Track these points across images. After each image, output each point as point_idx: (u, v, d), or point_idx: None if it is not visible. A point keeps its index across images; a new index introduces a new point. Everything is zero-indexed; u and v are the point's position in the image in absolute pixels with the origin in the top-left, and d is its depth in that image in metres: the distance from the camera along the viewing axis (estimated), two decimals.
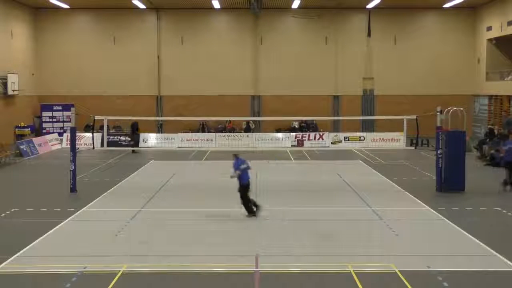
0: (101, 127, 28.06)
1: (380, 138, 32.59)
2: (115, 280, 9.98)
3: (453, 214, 15.07)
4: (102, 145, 27.40)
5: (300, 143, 32.36)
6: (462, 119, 28.02)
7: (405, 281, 9.90)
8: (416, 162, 25.39)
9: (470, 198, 17.26)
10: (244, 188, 14.76)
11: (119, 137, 31.93)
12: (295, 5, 35.08)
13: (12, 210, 15.66)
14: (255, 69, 37.41)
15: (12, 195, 18.09)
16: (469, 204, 16.45)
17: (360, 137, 33.14)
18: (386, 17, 37.19)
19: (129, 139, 31.38)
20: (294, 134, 33.37)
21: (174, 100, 37.20)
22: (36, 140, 30.00)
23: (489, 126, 29.71)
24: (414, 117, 19.81)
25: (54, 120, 35.65)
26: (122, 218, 14.63)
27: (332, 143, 32.34)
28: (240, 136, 33.39)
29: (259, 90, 37.52)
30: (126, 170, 23.14)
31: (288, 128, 36.16)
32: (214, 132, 34.50)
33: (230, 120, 35.66)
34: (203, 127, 36.46)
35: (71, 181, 18.27)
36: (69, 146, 19.86)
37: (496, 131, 27.61)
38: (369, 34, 37.04)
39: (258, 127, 36.71)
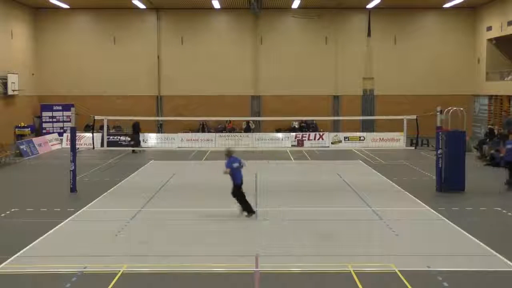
0: (101, 127, 28.05)
1: (380, 138, 32.59)
2: (115, 280, 9.98)
3: (453, 214, 15.07)
4: (102, 145, 27.40)
5: (300, 143, 32.36)
6: (462, 119, 28.02)
7: (405, 281, 9.89)
8: (416, 162, 25.39)
9: (470, 198, 17.26)
10: (237, 188, 14.76)
11: (119, 137, 31.92)
12: (295, 5, 35.08)
13: (12, 210, 15.66)
14: (255, 69, 37.41)
15: (12, 195, 18.09)
16: (469, 204, 16.45)
17: (360, 137, 33.14)
18: (386, 17, 37.20)
19: (129, 139, 31.36)
20: (294, 134, 33.37)
21: (174, 100, 37.20)
22: (36, 140, 30.00)
23: (489, 126, 29.71)
24: (414, 117, 19.80)
25: (54, 120, 35.66)
26: (122, 218, 14.63)
27: (332, 143, 32.34)
28: (240, 136, 33.39)
29: (259, 90, 37.52)
30: (126, 170, 23.14)
31: (288, 128, 36.16)
32: (214, 132, 34.50)
33: (230, 120, 35.66)
34: (203, 127, 36.47)
35: (71, 181, 18.27)
36: (69, 146, 19.86)
37: (496, 131, 27.61)
38: (369, 34, 37.04)
39: (258, 127, 36.71)
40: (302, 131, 34.87)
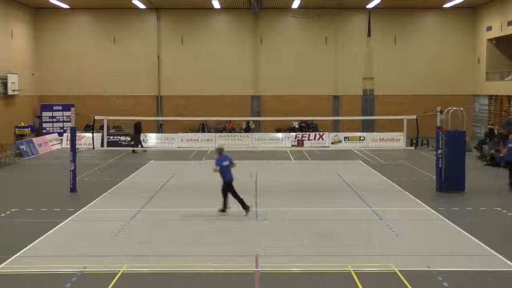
0: (101, 127, 28.06)
1: (380, 138, 32.59)
2: (115, 280, 9.98)
3: (453, 214, 15.07)
4: (102, 145, 27.40)
5: (300, 143, 32.36)
6: (462, 119, 28.03)
7: (405, 281, 9.89)
8: (416, 162, 25.39)
9: (470, 198, 17.26)
10: (227, 185, 14.86)
11: (119, 137, 31.92)
12: (295, 5, 35.08)
13: (12, 210, 15.66)
14: (255, 69, 37.41)
15: (12, 195, 18.09)
16: (469, 204, 16.45)
17: (360, 137, 33.14)
18: (386, 17, 37.20)
19: (129, 139, 31.36)
20: (294, 134, 33.37)
21: (174, 100, 37.21)
22: (36, 140, 29.99)
23: (489, 126, 29.71)
24: (414, 117, 19.81)
25: (54, 120, 35.66)
26: (122, 218, 14.63)
27: (332, 143, 32.34)
28: (240, 136, 33.40)
29: (259, 90, 37.53)
30: (126, 170, 23.14)
31: (288, 128, 36.17)
32: (214, 132, 34.49)
33: (230, 120, 35.67)
34: (203, 127, 36.47)
35: (71, 181, 18.27)
36: (69, 146, 19.85)
37: (496, 131, 27.61)
38: (369, 34, 37.05)
39: (258, 127, 36.72)
40: (302, 131, 34.88)
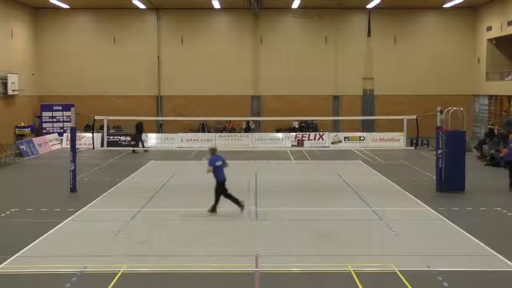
0: (101, 127, 28.05)
1: (380, 138, 32.59)
2: (115, 280, 9.98)
3: (453, 214, 15.07)
4: (102, 145, 27.39)
5: (300, 143, 32.35)
6: (462, 119, 28.02)
7: (405, 281, 9.89)
8: (416, 162, 25.39)
9: (470, 198, 17.26)
10: (220, 185, 14.90)
11: (119, 137, 31.92)
12: (295, 5, 35.08)
13: (12, 210, 15.66)
14: (255, 69, 37.41)
15: (12, 195, 18.09)
16: (469, 204, 16.45)
17: (360, 137, 33.13)
18: (386, 17, 37.20)
19: (129, 139, 31.35)
20: (294, 134, 33.37)
21: (174, 100, 37.20)
22: (36, 140, 29.99)
23: (489, 126, 29.71)
24: (414, 117, 19.81)
25: (54, 120, 35.66)
26: (122, 218, 14.63)
27: (332, 143, 32.33)
28: (240, 136, 33.40)
29: (259, 90, 37.52)
30: (126, 170, 23.14)
31: (288, 128, 36.17)
32: (214, 132, 34.48)
33: (230, 120, 35.67)
34: (203, 127, 36.47)
35: (71, 181, 18.27)
36: (69, 146, 19.85)
37: (496, 131, 27.61)
38: (369, 34, 37.05)
39: (258, 127, 36.72)
40: (302, 131, 34.87)
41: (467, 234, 12.97)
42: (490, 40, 34.76)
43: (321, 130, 35.51)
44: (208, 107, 35.92)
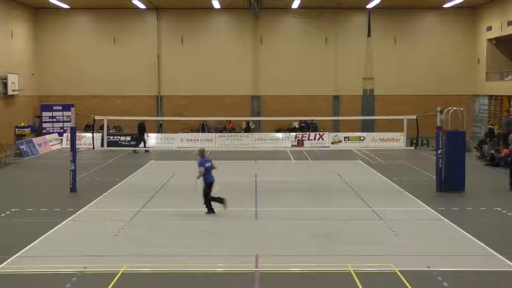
0: (101, 127, 28.06)
1: (380, 138, 32.58)
2: (115, 280, 9.98)
3: (453, 214, 15.08)
4: (102, 145, 27.38)
5: (300, 143, 32.35)
6: (462, 119, 28.03)
7: (405, 281, 9.90)
8: (416, 162, 25.39)
9: (470, 198, 17.26)
10: (208, 187, 14.91)
11: (119, 137, 31.92)
12: (295, 5, 35.08)
13: (12, 210, 15.66)
14: (255, 69, 37.41)
15: (12, 195, 18.09)
16: (469, 204, 16.45)
17: (360, 137, 33.13)
18: (386, 17, 37.20)
19: (129, 139, 31.31)
20: (294, 134, 33.37)
21: (174, 100, 37.20)
22: (36, 140, 29.99)
23: (489, 126, 29.71)
24: (414, 117, 19.80)
25: (54, 120, 35.68)
26: (122, 218, 14.63)
27: (332, 143, 32.33)
28: (240, 136, 33.39)
29: (259, 90, 37.53)
30: (126, 170, 23.13)
31: (288, 128, 36.19)
32: (214, 132, 34.50)
33: (230, 120, 35.67)
34: (203, 127, 36.48)
35: (71, 181, 18.27)
36: (69, 146, 19.85)
37: (496, 131, 27.61)
38: (369, 34, 37.05)
39: (258, 127, 36.73)
40: (302, 131, 34.88)
41: (467, 234, 12.97)
42: (490, 40, 34.75)
43: (321, 130, 35.52)
44: (208, 107, 35.92)
